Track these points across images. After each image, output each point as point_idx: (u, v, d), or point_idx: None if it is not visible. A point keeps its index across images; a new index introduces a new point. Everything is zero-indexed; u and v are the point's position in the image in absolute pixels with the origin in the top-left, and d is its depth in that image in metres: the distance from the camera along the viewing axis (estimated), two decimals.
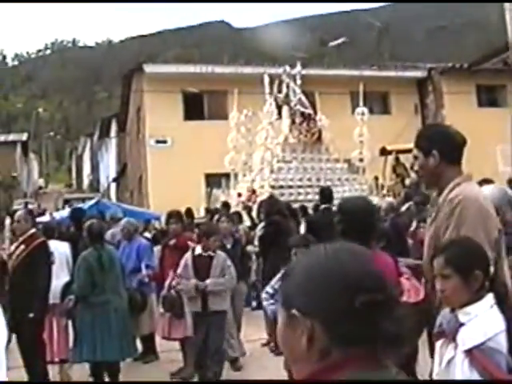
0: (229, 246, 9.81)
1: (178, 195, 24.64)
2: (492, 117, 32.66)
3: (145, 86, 30.87)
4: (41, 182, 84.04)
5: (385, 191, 23.10)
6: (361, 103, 24.03)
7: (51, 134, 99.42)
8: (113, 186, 51.30)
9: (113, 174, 49.97)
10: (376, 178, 24.52)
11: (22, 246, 8.92)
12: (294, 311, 1.68)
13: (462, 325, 3.47)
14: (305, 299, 1.68)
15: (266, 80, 22.47)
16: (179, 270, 8.89)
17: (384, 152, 26.46)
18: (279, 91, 21.65)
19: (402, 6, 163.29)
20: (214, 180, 27.75)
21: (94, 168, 64.70)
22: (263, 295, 7.29)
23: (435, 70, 34.62)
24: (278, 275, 7.13)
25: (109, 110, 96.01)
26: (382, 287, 1.69)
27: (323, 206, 12.64)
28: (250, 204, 18.71)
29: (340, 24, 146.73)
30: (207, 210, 19.95)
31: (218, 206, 19.97)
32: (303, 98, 21.50)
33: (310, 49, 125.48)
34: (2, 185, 51.31)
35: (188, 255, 8.95)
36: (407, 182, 26.17)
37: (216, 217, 13.35)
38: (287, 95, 21.40)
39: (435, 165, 4.33)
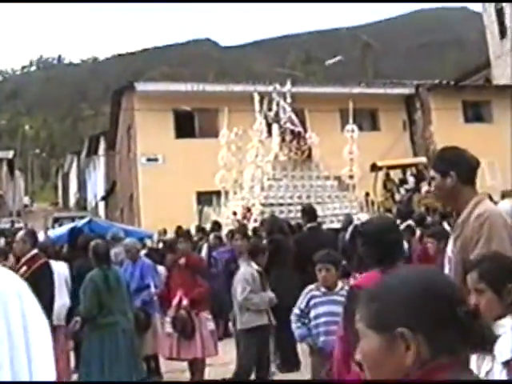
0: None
1: (169, 213, 24.70)
2: (478, 132, 33.01)
3: (136, 103, 30.85)
4: (26, 200, 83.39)
5: (375, 207, 23.12)
6: (350, 120, 23.99)
7: (37, 151, 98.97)
8: (101, 204, 51.06)
9: (101, 193, 49.77)
10: (367, 194, 24.55)
11: (24, 268, 8.75)
12: (400, 330, 1.73)
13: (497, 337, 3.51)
14: (410, 316, 1.74)
15: (256, 98, 22.48)
16: (245, 284, 8.74)
17: (374, 168, 26.60)
18: (269, 109, 21.67)
19: (384, 23, 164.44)
20: (206, 198, 27.70)
21: (81, 186, 64.42)
22: (292, 317, 7.25)
23: (423, 86, 34.97)
24: (302, 295, 7.17)
25: (94, 127, 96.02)
26: (466, 298, 1.84)
27: (309, 225, 12.52)
28: (245, 222, 18.68)
29: (325, 41, 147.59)
30: (198, 228, 19.87)
31: (209, 224, 19.91)
32: (293, 116, 21.50)
33: (295, 66, 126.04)
34: None
35: (252, 270, 8.88)
36: (397, 197, 26.38)
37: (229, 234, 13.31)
38: (277, 113, 21.39)
39: (452, 185, 4.44)
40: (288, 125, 21.05)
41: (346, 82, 37.35)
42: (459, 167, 4.46)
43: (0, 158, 59.39)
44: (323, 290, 7.01)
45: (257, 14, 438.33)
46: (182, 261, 9.82)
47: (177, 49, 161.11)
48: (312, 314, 7.04)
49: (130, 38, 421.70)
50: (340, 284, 7.01)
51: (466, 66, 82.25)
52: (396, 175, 28.02)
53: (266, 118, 21.83)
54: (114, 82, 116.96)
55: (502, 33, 49.23)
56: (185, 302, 9.33)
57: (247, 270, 8.79)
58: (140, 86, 30.66)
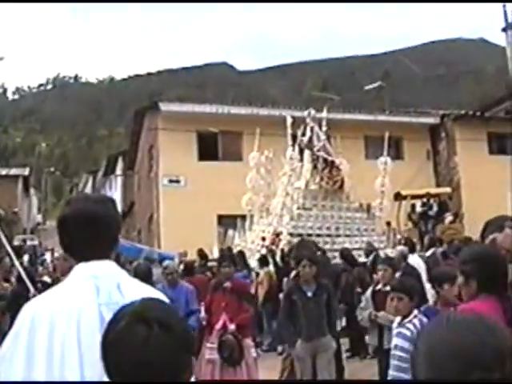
0: (310, 294, 9.00)
1: (189, 236, 24.39)
2: (502, 164, 32.65)
3: (159, 124, 30.63)
4: (39, 217, 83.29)
5: (398, 236, 22.81)
6: (384, 152, 23.77)
7: (51, 169, 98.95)
8: None
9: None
10: (388, 224, 24.24)
11: None
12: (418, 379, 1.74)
13: None
14: (423, 371, 1.70)
15: (289, 121, 22.31)
16: (361, 304, 9.16)
17: (398, 197, 26.31)
18: (303, 134, 21.43)
19: (402, 53, 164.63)
20: (227, 221, 27.47)
21: None
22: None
23: (448, 116, 34.65)
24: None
25: (109, 147, 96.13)
26: (500, 364, 1.62)
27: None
28: (274, 248, 18.40)
29: (342, 69, 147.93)
30: (222, 251, 19.56)
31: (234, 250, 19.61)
32: (327, 145, 21.29)
33: (310, 93, 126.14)
34: (3, 220, 50.81)
35: (369, 289, 9.42)
36: (422, 228, 26.08)
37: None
38: (311, 139, 21.18)
39: None
40: (321, 153, 20.79)
41: (370, 110, 37.16)
42: (509, 219, 4.84)
43: (15, 175, 59.09)
44: (398, 319, 6.76)
45: (274, 39, 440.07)
46: (228, 284, 9.51)
47: (193, 71, 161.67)
48: (392, 343, 6.82)
49: (146, 59, 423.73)
50: (414, 314, 6.72)
51: (482, 98, 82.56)
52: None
53: (299, 144, 21.58)
54: (130, 103, 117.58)
55: None
56: (232, 326, 9.06)
57: None
58: (164, 106, 30.43)
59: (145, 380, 1.94)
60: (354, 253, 17.72)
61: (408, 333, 6.45)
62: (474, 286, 4.27)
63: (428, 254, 16.77)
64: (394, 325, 6.80)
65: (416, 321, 6.54)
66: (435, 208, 26.51)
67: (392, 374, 6.60)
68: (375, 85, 46.85)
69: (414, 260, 14.67)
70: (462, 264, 4.49)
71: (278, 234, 19.51)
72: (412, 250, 16.00)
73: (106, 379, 2.09)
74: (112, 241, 3.06)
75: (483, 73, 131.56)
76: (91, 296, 2.76)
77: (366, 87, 47.88)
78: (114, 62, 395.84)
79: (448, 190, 29.35)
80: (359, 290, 13.19)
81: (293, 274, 10.91)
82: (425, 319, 6.58)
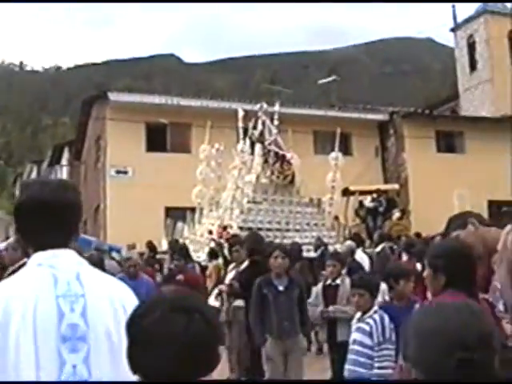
0: (281, 288, 8.67)
1: (136, 227, 24.27)
2: (450, 162, 33.18)
3: (108, 114, 30.29)
4: None
5: (347, 231, 22.89)
6: (336, 148, 23.82)
7: None
8: None
9: None
10: (336, 218, 24.30)
11: None
12: (405, 362, 1.91)
13: None
14: (412, 352, 1.85)
15: (240, 114, 22.22)
16: (310, 299, 8.85)
17: (347, 192, 26.36)
18: (254, 128, 21.31)
19: (349, 49, 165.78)
20: (174, 214, 27.32)
21: None
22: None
23: (397, 113, 34.93)
24: None
25: (54, 137, 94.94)
26: (484, 345, 1.77)
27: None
28: (222, 241, 18.27)
29: (290, 64, 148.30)
30: (170, 243, 19.34)
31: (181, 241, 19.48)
32: (279, 139, 21.20)
33: (259, 86, 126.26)
34: None
35: (319, 285, 9.21)
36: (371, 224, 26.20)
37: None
38: (262, 133, 21.07)
39: (475, 229, 4.86)
40: (272, 147, 20.71)
41: (318, 105, 37.26)
42: (473, 216, 4.89)
43: None
44: (358, 315, 6.73)
45: (223, 33, 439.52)
46: (180, 277, 9.43)
47: (140, 62, 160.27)
48: (350, 338, 6.79)
49: (93, 49, 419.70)
50: (374, 309, 6.70)
51: (428, 97, 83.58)
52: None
53: (250, 137, 21.48)
54: (76, 92, 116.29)
55: (472, 66, 49.87)
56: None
57: None
58: (113, 96, 30.12)
59: (185, 368, 1.92)
60: (304, 247, 17.72)
61: (367, 327, 6.45)
62: (442, 280, 4.25)
63: (378, 249, 16.86)
64: (354, 320, 6.79)
65: (376, 316, 6.54)
66: (384, 204, 26.66)
67: (348, 367, 6.59)
68: (329, 79, 46.92)
69: (359, 255, 14.86)
70: (432, 258, 4.45)
71: (225, 227, 19.40)
72: (359, 246, 16.14)
73: (61, 374, 2.16)
74: (72, 229, 2.87)
75: (430, 72, 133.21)
76: (48, 287, 2.59)
77: (320, 81, 47.93)
78: (60, 51, 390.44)
79: (396, 186, 29.55)
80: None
81: (244, 265, 10.82)
82: (385, 315, 6.57)
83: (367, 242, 20.02)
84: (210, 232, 19.88)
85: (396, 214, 26.08)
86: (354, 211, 27.02)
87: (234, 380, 8.80)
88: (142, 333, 1.95)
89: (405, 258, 14.54)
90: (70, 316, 2.56)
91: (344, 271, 9.89)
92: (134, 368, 1.98)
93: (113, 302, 2.69)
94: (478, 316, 1.85)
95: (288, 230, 20.19)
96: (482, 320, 1.85)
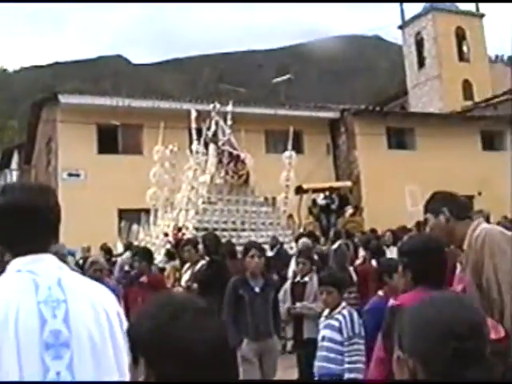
0: (257, 290, 8.39)
1: (89, 230, 24.09)
2: (401, 159, 33.54)
3: (58, 116, 29.98)
4: None
5: (301, 230, 22.99)
6: (289, 147, 23.93)
7: None
8: None
9: None
10: (290, 216, 24.39)
11: None
12: (399, 352, 1.95)
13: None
14: (408, 342, 1.92)
15: (193, 115, 22.19)
16: (279, 296, 8.72)
17: (300, 191, 26.42)
18: (208, 128, 21.26)
19: (297, 48, 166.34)
20: (128, 216, 27.20)
21: None
22: None
23: (348, 111, 35.15)
24: None
25: (1, 141, 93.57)
26: (475, 335, 1.86)
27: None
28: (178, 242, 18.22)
29: (238, 63, 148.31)
30: (127, 246, 19.23)
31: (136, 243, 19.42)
32: (232, 139, 21.16)
33: (207, 86, 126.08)
34: None
35: (288, 282, 9.25)
36: (324, 222, 26.31)
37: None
38: (215, 133, 21.02)
39: (446, 221, 4.53)
40: (226, 147, 20.67)
41: (268, 104, 37.28)
42: (451, 204, 4.57)
43: None
44: (326, 313, 6.75)
45: (170, 33, 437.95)
46: (144, 279, 9.38)
47: (87, 64, 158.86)
48: (319, 335, 6.80)
49: (39, 51, 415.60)
50: (342, 305, 6.73)
51: (376, 94, 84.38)
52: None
53: (204, 138, 21.42)
54: (23, 95, 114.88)
55: (420, 63, 50.51)
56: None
57: None
58: (64, 98, 29.76)
59: (219, 370, 1.88)
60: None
61: (337, 323, 6.49)
62: (409, 277, 4.28)
63: (335, 246, 16.90)
64: (322, 318, 6.80)
65: (345, 311, 6.58)
66: (337, 202, 26.79)
67: (318, 364, 6.61)
68: (284, 77, 47.05)
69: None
70: (400, 254, 4.50)
71: (179, 229, 19.35)
72: (314, 243, 16.22)
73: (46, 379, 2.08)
74: (51, 233, 2.81)
75: (377, 69, 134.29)
76: (29, 293, 2.55)
77: (274, 80, 48.01)
78: (5, 54, 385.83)
79: (349, 183, 29.70)
80: None
81: (198, 266, 10.77)
82: (353, 310, 6.63)
83: (321, 240, 20.05)
84: (166, 234, 19.79)
85: (349, 211, 26.25)
86: (308, 209, 27.09)
87: (239, 381, 8.70)
88: (171, 340, 1.85)
89: (362, 253, 14.68)
90: (53, 322, 2.52)
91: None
92: (159, 377, 1.87)
93: (95, 306, 2.66)
94: (469, 307, 1.93)
95: (243, 230, 20.16)
96: (473, 311, 1.93)
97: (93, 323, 2.61)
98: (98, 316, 2.64)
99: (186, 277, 11.07)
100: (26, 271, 2.63)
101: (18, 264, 2.67)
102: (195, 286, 10.34)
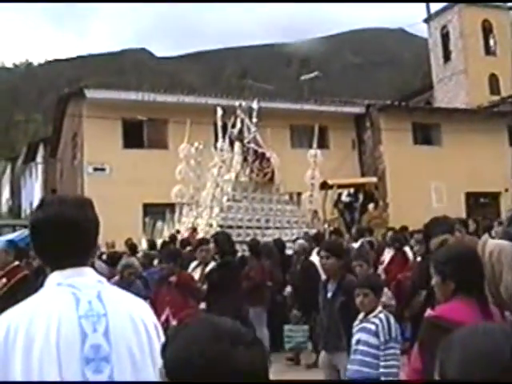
0: (329, 295, 7.68)
1: (114, 225, 24.02)
2: (426, 154, 33.32)
3: (84, 111, 30.11)
4: None
5: (326, 226, 22.94)
6: (314, 145, 23.68)
7: None
8: None
9: (37, 200, 48.66)
10: (315, 212, 24.29)
11: (4, 280, 8.32)
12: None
13: None
14: (458, 372, 1.71)
15: (219, 113, 22.09)
16: None
17: (325, 186, 26.33)
18: (233, 126, 21.19)
19: (320, 41, 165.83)
20: (152, 210, 27.29)
21: (15, 193, 62.93)
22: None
23: (373, 106, 34.96)
24: None
25: (26, 133, 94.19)
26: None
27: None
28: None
29: (261, 57, 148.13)
30: (150, 245, 19.06)
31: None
32: (258, 136, 21.07)
33: (230, 80, 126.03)
34: None
35: None
36: (348, 218, 26.22)
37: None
38: (241, 131, 20.95)
39: None
40: (252, 145, 20.59)
41: (294, 99, 37.19)
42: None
43: None
44: (361, 316, 6.67)
45: (192, 26, 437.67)
46: (173, 278, 9.31)
47: (111, 57, 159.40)
48: (353, 338, 6.65)
49: (64, 45, 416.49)
50: (378, 309, 6.64)
51: (400, 88, 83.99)
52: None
53: (229, 135, 21.38)
54: (48, 88, 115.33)
55: (446, 57, 50.12)
56: (173, 322, 8.79)
57: None
58: (89, 93, 29.87)
59: None
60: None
61: (373, 327, 6.40)
62: (451, 286, 4.21)
63: (357, 245, 16.77)
64: (356, 322, 6.71)
65: (382, 315, 6.49)
66: (361, 199, 26.70)
67: (354, 368, 6.54)
68: (311, 75, 46.86)
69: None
70: (440, 264, 4.42)
71: (194, 229, 19.38)
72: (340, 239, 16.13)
73: None
74: (90, 247, 2.82)
75: (401, 63, 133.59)
76: (70, 307, 2.53)
77: (303, 77, 47.80)
78: (31, 47, 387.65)
79: (374, 179, 29.55)
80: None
81: (210, 266, 10.68)
82: (390, 314, 6.56)
83: (346, 237, 19.95)
84: (178, 232, 19.90)
85: (370, 207, 26.13)
86: (333, 204, 27.03)
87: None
88: (198, 373, 1.74)
89: (390, 253, 14.46)
90: (93, 337, 2.51)
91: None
92: None
93: (134, 320, 2.66)
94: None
95: (268, 228, 20.07)
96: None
97: (133, 337, 2.61)
98: (138, 329, 2.64)
99: (195, 276, 10.87)
100: (66, 285, 2.61)
101: (57, 277, 2.65)
102: (204, 288, 10.27)
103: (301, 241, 15.23)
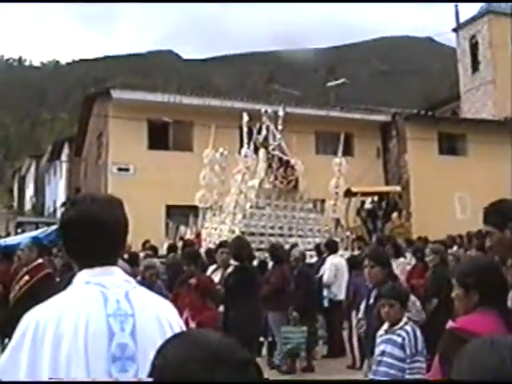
0: (371, 301, 7.64)
1: (137, 225, 24.01)
2: (451, 165, 33.11)
3: (110, 111, 30.22)
4: None
5: (348, 233, 22.88)
6: (339, 153, 23.63)
7: None
8: (60, 210, 49.95)
9: (61, 199, 48.78)
10: (338, 221, 24.23)
11: (26, 277, 8.35)
12: None
13: None
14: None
15: (245, 119, 22.06)
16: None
17: (348, 193, 26.28)
18: (258, 132, 21.17)
19: (347, 48, 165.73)
20: (175, 212, 27.36)
21: (39, 191, 63.20)
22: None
23: (399, 115, 34.82)
24: None
25: (51, 132, 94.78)
26: None
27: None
28: (197, 248, 18.11)
29: (288, 62, 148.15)
30: (170, 248, 18.82)
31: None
32: (283, 144, 21.05)
33: (256, 85, 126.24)
34: None
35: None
36: (370, 226, 26.15)
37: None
38: (266, 138, 20.93)
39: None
40: (276, 152, 20.57)
41: (319, 105, 37.15)
42: None
43: None
44: (386, 326, 6.58)
45: (219, 29, 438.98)
46: (193, 280, 9.30)
47: (138, 58, 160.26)
48: (377, 349, 6.52)
49: (92, 44, 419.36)
50: (404, 320, 6.55)
51: (426, 97, 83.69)
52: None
53: (254, 142, 21.38)
54: (74, 88, 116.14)
55: (474, 67, 49.79)
56: (192, 324, 8.77)
57: None
58: (116, 94, 29.98)
59: None
60: (307, 253, 17.62)
61: (399, 339, 6.29)
62: (475, 298, 4.15)
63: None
64: (381, 332, 6.62)
65: (408, 327, 6.39)
66: (384, 207, 26.63)
67: (378, 379, 6.45)
68: (338, 82, 46.73)
69: (336, 260, 14.67)
70: (463, 276, 4.36)
71: (198, 234, 19.43)
72: (361, 248, 16.24)
73: None
74: (119, 246, 2.84)
75: (428, 72, 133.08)
76: (99, 306, 2.55)
77: (329, 84, 47.67)
78: (59, 47, 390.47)
79: (398, 188, 29.46)
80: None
81: (229, 270, 10.64)
82: (416, 327, 6.47)
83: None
84: (181, 239, 20.04)
85: (393, 216, 26.05)
86: (356, 211, 26.99)
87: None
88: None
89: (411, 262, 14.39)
90: (120, 335, 2.54)
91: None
92: None
93: (160, 321, 2.68)
94: None
95: (291, 236, 20.04)
96: None
97: (159, 338, 2.54)
98: (164, 330, 2.65)
99: (215, 279, 10.95)
100: (94, 283, 2.63)
101: (86, 276, 2.67)
102: (222, 290, 10.23)
103: (298, 248, 15.69)
